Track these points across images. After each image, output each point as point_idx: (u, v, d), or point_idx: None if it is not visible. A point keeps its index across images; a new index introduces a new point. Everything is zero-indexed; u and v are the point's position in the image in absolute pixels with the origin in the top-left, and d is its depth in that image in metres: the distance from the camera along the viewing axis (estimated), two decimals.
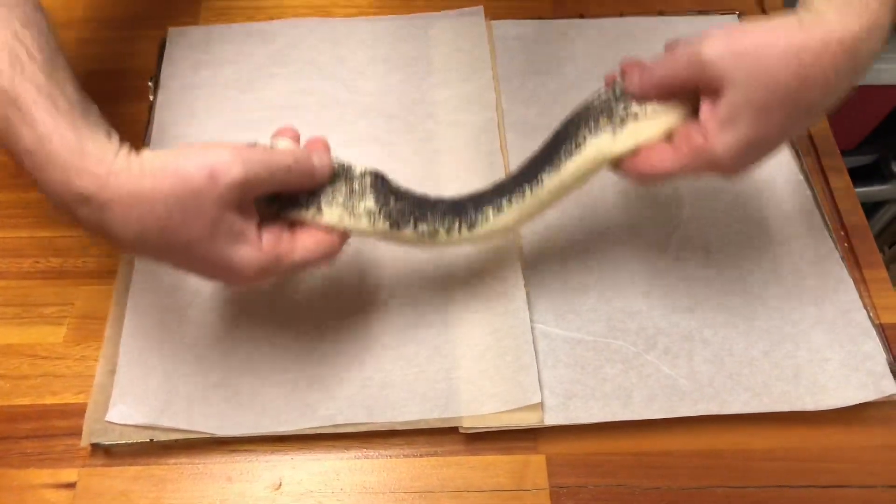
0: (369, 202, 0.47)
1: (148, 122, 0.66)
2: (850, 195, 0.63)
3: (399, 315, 0.57)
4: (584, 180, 0.49)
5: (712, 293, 0.58)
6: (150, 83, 0.68)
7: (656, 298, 0.57)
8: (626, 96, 0.47)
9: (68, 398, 0.54)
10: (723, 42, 0.43)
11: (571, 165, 0.48)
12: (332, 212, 0.46)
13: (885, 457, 0.51)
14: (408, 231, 0.48)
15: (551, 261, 0.59)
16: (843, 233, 0.61)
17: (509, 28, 0.73)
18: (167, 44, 0.71)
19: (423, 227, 0.48)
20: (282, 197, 0.45)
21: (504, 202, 0.49)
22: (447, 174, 0.64)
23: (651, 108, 0.47)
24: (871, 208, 1.23)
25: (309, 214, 0.46)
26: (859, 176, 0.67)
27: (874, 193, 1.21)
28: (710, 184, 0.63)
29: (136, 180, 0.40)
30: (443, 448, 0.52)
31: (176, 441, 0.52)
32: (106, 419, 0.52)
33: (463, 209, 0.49)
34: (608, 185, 0.63)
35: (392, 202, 0.47)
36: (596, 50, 0.72)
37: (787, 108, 0.42)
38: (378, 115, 0.67)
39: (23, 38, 0.41)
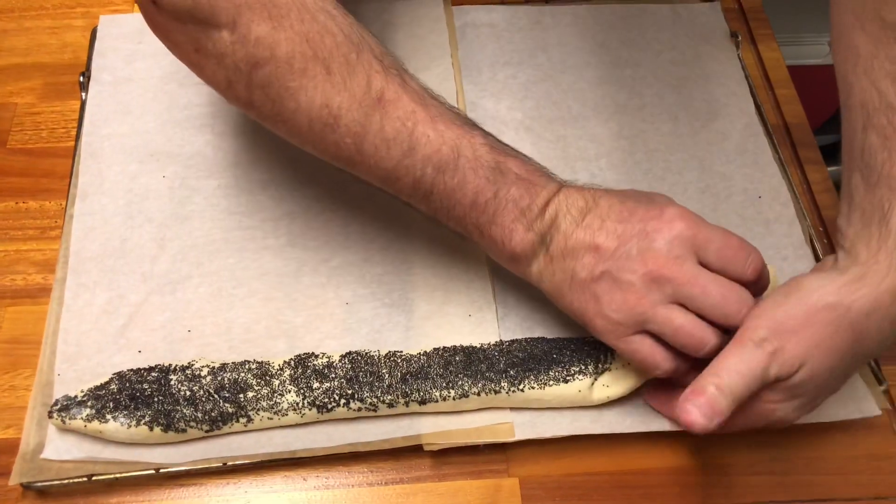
0: (291, 396, 0.48)
1: (80, 122, 0.61)
2: (829, 188, 0.61)
3: (359, 332, 0.53)
4: (567, 403, 0.49)
5: None
6: (80, 79, 0.63)
7: None
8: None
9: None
10: (771, 327, 0.42)
11: (555, 391, 0.49)
12: (259, 417, 0.48)
13: (870, 467, 0.49)
14: (340, 410, 0.48)
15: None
16: (821, 228, 0.59)
17: (479, 15, 0.69)
18: (98, 34, 0.65)
19: (356, 404, 0.48)
20: (207, 416, 0.47)
21: (472, 390, 0.49)
22: None
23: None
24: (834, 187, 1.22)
25: (239, 426, 0.48)
26: (823, 155, 0.69)
27: (838, 173, 1.20)
28: (681, 178, 0.60)
29: None
30: (409, 474, 0.49)
31: (117, 479, 0.47)
32: (42, 456, 0.47)
33: (416, 387, 0.48)
34: None
35: (317, 386, 0.48)
36: (570, 39, 0.68)
37: (845, 363, 0.43)
38: None
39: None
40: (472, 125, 0.47)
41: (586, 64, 0.67)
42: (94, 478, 0.47)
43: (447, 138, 0.45)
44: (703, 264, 0.44)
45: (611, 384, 0.49)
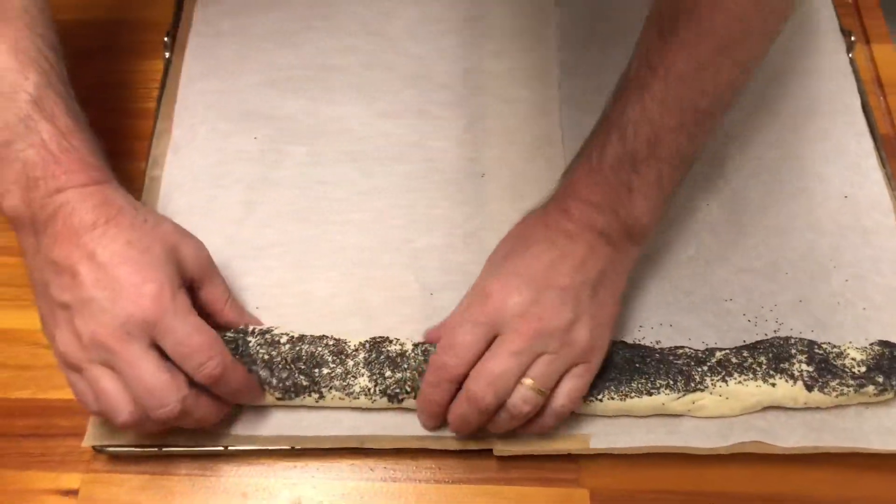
0: (363, 381, 0.47)
1: (162, 83, 0.60)
2: None
3: (436, 321, 0.51)
4: (648, 412, 0.48)
5: (768, 314, 0.52)
6: (165, 38, 0.62)
7: (710, 314, 0.52)
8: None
9: (72, 393, 0.49)
10: None
11: (636, 403, 0.47)
12: (331, 395, 0.47)
13: None
14: (410, 401, 0.47)
15: None
16: None
17: None
18: None
19: None
20: (282, 384, 0.47)
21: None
22: (495, 159, 0.58)
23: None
24: None
25: (311, 400, 0.47)
26: None
27: None
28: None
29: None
30: (476, 475, 0.48)
31: (187, 452, 0.48)
32: None
33: None
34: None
35: (389, 375, 0.47)
36: None
37: None
38: (427, 84, 0.61)
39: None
40: (50, 83, 0.45)
41: None
42: (164, 448, 0.47)
43: (1, 62, 0.43)
44: (162, 349, 0.42)
45: (704, 408, 0.47)
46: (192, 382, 0.43)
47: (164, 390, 0.42)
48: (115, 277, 0.42)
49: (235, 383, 0.45)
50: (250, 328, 0.49)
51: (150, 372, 0.42)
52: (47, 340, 0.45)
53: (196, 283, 0.47)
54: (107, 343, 0.41)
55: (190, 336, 0.42)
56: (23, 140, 0.43)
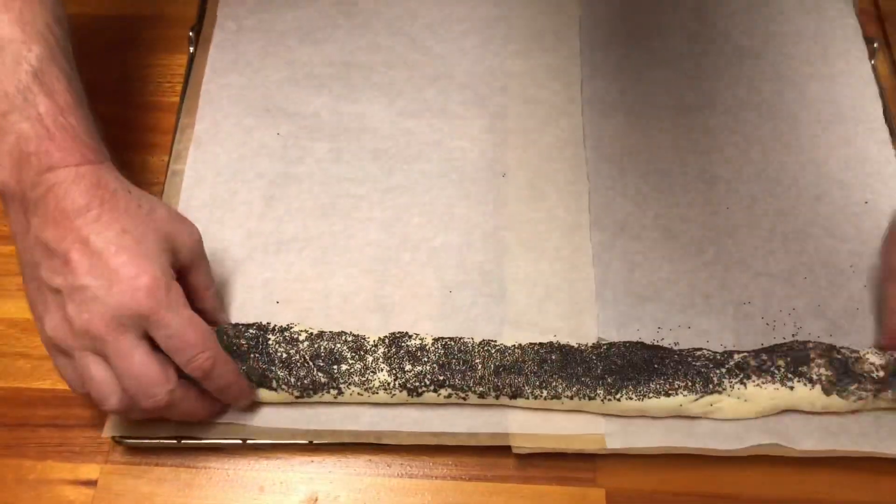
0: (383, 375, 0.47)
1: (186, 77, 0.61)
2: None
3: (454, 319, 0.52)
4: (664, 413, 0.48)
5: (787, 318, 0.52)
6: (190, 33, 0.62)
7: (729, 317, 0.52)
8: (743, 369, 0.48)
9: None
10: None
11: (653, 403, 0.47)
12: (350, 391, 0.47)
13: None
14: (429, 395, 0.48)
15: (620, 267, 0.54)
16: None
17: None
18: None
19: (446, 391, 0.47)
20: (300, 382, 0.47)
21: (566, 394, 0.47)
22: (516, 159, 0.58)
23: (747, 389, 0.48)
24: None
25: (329, 397, 0.48)
26: None
27: None
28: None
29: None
30: (493, 472, 0.48)
31: (205, 444, 0.48)
32: None
33: (508, 381, 0.47)
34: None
35: (409, 369, 0.47)
36: (690, 23, 0.65)
37: None
38: (449, 83, 0.61)
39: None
40: (54, 58, 0.44)
41: (704, 52, 0.64)
42: (182, 441, 0.48)
43: (6, 33, 0.43)
44: (154, 340, 0.43)
45: (722, 409, 0.47)
46: (182, 375, 0.43)
47: (153, 381, 0.42)
48: (109, 266, 0.41)
49: (226, 378, 0.45)
50: (270, 324, 0.49)
51: (140, 362, 0.42)
52: (39, 324, 0.44)
53: (185, 269, 0.47)
54: (99, 332, 0.41)
55: (183, 329, 0.42)
56: (19, 112, 0.42)
